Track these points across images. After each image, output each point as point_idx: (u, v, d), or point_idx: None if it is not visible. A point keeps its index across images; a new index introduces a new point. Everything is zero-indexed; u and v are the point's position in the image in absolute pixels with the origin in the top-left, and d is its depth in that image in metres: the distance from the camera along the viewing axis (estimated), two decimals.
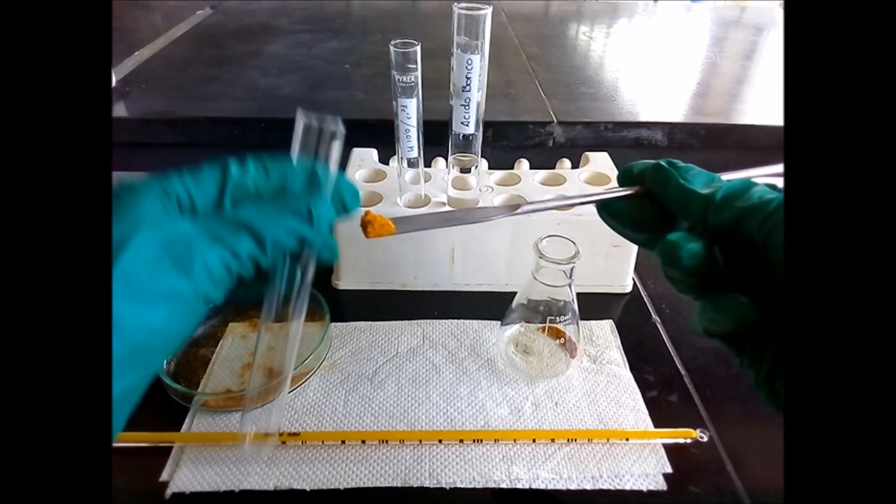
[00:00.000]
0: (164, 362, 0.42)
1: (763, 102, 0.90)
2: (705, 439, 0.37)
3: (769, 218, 0.19)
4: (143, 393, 0.21)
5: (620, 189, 0.24)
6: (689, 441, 0.38)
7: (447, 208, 0.49)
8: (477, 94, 0.42)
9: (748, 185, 0.21)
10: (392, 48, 0.41)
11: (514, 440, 0.38)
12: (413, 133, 0.45)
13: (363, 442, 0.37)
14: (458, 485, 0.35)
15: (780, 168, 0.22)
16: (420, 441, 0.37)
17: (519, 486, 0.35)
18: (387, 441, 0.37)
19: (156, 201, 0.22)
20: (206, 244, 0.21)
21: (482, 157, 0.49)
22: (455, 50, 0.40)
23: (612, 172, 0.53)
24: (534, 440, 0.38)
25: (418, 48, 0.41)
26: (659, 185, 0.23)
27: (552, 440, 0.38)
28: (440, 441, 0.37)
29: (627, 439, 0.38)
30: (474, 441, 0.37)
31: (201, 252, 0.21)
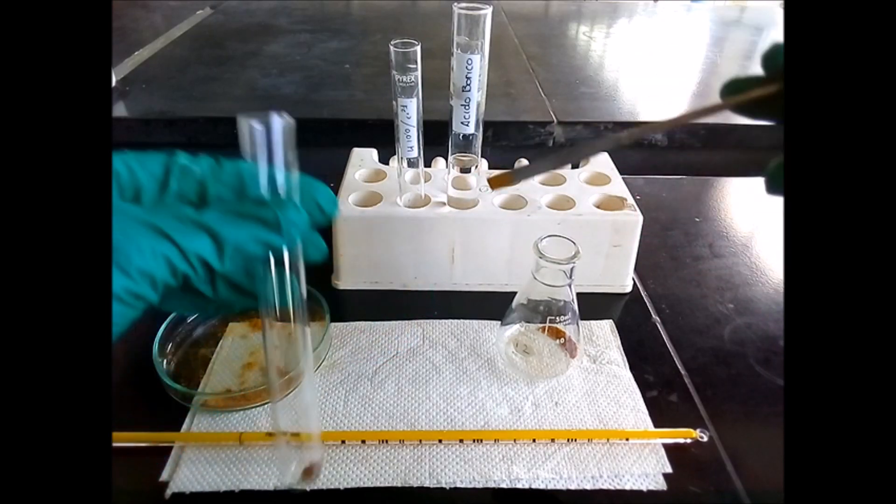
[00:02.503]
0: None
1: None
2: (705, 439, 0.37)
3: None
4: None
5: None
6: (689, 441, 0.38)
7: (447, 209, 0.49)
8: (477, 94, 0.42)
9: None
10: (392, 48, 0.41)
11: (514, 440, 0.38)
12: (413, 133, 0.45)
13: (363, 442, 0.37)
14: (458, 485, 0.35)
15: None
16: (420, 441, 0.37)
17: (519, 485, 0.35)
18: (387, 441, 0.37)
19: None
20: (150, 238, 0.19)
21: (482, 157, 0.49)
22: (455, 50, 0.40)
23: (613, 172, 0.53)
24: (534, 440, 0.38)
25: (418, 48, 0.41)
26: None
27: (552, 440, 0.38)
28: (440, 441, 0.37)
29: (627, 439, 0.38)
30: (474, 441, 0.37)
31: (142, 247, 0.19)
